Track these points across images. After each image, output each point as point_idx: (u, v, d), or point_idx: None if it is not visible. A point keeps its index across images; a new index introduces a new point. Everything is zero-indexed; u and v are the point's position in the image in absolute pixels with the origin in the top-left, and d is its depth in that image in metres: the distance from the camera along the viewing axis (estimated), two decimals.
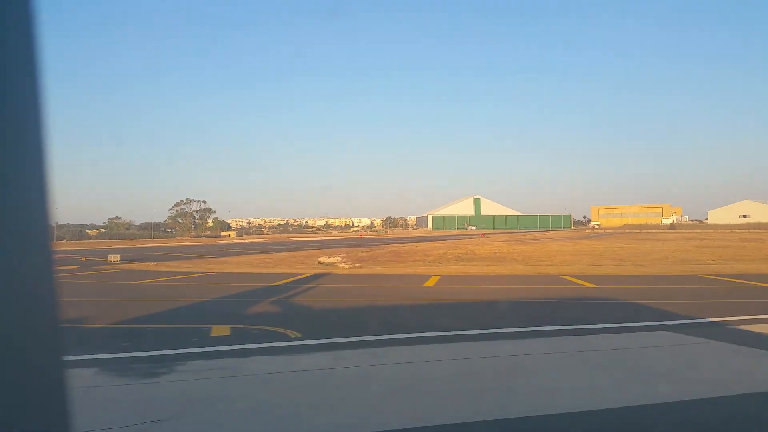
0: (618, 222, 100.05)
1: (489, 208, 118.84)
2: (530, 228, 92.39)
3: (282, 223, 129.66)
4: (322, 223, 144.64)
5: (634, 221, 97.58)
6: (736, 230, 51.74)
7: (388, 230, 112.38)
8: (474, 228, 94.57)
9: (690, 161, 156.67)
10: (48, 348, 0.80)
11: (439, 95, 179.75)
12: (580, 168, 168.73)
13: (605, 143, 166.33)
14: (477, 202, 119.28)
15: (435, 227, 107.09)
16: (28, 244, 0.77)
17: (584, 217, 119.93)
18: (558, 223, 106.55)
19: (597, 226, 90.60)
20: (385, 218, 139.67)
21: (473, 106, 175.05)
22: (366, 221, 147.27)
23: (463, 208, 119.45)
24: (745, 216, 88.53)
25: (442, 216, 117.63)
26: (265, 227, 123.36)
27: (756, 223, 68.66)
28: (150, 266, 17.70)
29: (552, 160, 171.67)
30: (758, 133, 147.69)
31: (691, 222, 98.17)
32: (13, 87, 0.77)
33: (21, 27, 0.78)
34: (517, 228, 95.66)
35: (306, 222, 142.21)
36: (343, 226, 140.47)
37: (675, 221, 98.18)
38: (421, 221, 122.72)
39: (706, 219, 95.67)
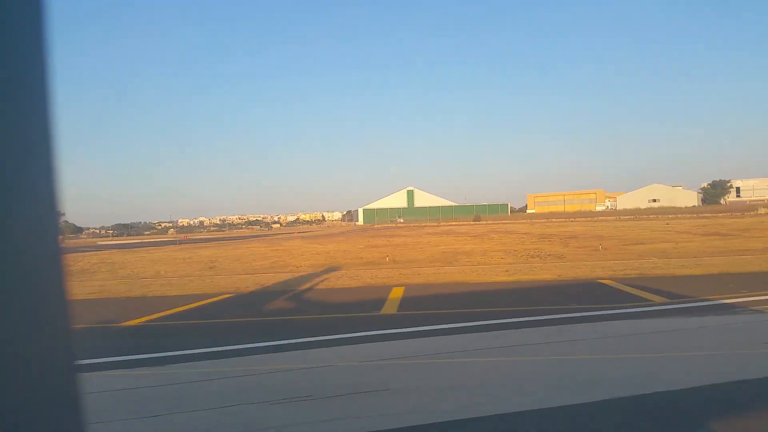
0: (554, 209, 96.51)
1: (423, 200, 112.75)
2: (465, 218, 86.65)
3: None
4: (293, 218, 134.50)
5: (569, 208, 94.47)
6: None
7: (298, 226, 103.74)
8: (402, 221, 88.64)
9: (619, 146, 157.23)
10: (62, 349, 0.80)
11: (377, 88, 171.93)
12: (517, 156, 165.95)
13: (541, 130, 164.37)
14: (410, 194, 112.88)
15: (366, 221, 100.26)
16: (37, 243, 0.77)
17: (526, 205, 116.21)
18: (495, 212, 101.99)
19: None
20: (345, 212, 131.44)
21: (408, 95, 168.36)
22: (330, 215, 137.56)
23: (396, 200, 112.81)
24: (654, 200, 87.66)
25: (373, 209, 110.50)
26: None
27: (670, 208, 66.32)
28: None
29: (489, 149, 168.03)
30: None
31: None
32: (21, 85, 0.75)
33: (31, 25, 0.76)
34: (451, 218, 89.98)
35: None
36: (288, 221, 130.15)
37: (609, 207, 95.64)
38: (356, 215, 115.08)
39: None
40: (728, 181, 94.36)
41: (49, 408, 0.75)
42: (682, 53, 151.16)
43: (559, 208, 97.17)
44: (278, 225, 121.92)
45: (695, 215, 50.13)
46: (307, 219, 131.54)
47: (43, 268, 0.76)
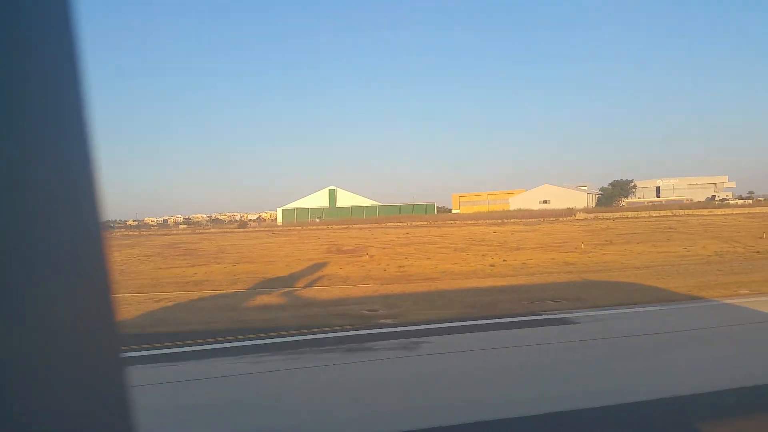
0: (479, 209, 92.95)
1: (346, 199, 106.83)
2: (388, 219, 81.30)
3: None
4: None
5: (492, 208, 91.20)
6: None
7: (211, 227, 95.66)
8: (318, 220, 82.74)
9: (544, 145, 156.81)
10: (109, 346, 0.82)
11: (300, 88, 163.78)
12: (442, 155, 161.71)
13: (467, 129, 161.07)
14: (332, 193, 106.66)
15: (285, 221, 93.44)
16: (83, 238, 0.78)
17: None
18: (421, 212, 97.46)
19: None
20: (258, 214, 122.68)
21: (332, 95, 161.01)
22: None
23: (318, 199, 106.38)
24: (545, 201, 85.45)
25: (293, 209, 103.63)
26: None
27: (562, 210, 63.14)
28: None
29: (414, 148, 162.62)
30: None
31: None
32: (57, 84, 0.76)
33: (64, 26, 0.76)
34: (375, 219, 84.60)
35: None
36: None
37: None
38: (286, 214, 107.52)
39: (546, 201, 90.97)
40: (631, 181, 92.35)
41: (97, 404, 0.76)
42: (602, 47, 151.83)
43: (483, 208, 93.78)
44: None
45: (541, 220, 46.59)
46: (225, 218, 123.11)
47: (89, 263, 0.77)
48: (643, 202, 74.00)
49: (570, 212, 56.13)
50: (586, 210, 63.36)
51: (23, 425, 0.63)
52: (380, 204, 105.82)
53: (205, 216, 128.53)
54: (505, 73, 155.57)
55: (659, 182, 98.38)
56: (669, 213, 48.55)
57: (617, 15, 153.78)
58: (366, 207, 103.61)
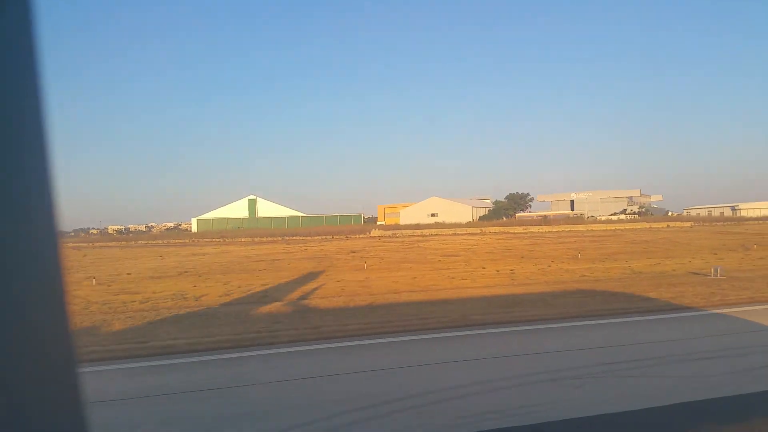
0: (396, 221, 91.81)
1: (267, 209, 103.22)
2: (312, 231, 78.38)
3: None
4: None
5: (390, 221, 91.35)
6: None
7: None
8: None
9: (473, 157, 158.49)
10: (63, 350, 0.82)
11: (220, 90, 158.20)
12: (367, 166, 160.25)
13: (393, 138, 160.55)
14: (252, 203, 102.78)
15: (200, 232, 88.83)
16: (39, 243, 0.78)
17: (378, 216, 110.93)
18: (348, 223, 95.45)
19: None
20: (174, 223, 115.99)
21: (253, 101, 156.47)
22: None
23: (237, 209, 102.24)
24: (433, 214, 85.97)
25: (210, 219, 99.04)
26: None
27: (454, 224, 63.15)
28: None
29: (340, 158, 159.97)
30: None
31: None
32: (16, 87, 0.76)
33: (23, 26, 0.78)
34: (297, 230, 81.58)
35: None
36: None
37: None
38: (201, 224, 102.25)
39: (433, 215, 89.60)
40: (527, 194, 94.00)
41: (52, 408, 0.76)
42: (515, 56, 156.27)
43: (398, 220, 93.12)
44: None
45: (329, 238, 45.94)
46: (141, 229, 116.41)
47: (45, 268, 0.77)
48: (532, 216, 74.90)
49: (365, 229, 54.85)
50: (469, 224, 62.63)
51: None
52: (304, 215, 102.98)
53: (120, 227, 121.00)
54: (422, 84, 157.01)
55: (573, 195, 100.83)
56: (521, 230, 48.96)
57: (533, 26, 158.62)
58: (288, 218, 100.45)
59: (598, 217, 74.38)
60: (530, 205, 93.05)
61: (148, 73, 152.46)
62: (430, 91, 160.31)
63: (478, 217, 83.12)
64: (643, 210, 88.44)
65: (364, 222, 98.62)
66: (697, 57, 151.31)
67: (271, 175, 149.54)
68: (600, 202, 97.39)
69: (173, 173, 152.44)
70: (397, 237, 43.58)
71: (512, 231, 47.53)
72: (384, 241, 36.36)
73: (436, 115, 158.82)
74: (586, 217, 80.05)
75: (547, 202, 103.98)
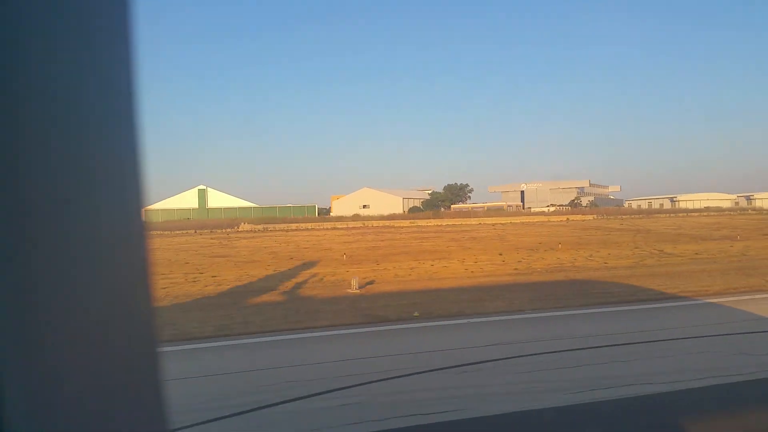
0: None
1: (218, 200, 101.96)
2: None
3: None
4: None
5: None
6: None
7: None
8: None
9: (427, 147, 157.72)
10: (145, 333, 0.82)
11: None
12: (321, 155, 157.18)
13: (343, 127, 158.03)
14: (202, 193, 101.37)
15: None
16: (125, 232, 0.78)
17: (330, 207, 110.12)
18: (302, 214, 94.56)
19: None
20: None
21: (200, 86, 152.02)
22: None
23: (186, 200, 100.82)
24: (365, 206, 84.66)
25: (158, 210, 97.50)
26: None
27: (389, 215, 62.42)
28: None
29: (293, 147, 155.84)
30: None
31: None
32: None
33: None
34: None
35: None
36: None
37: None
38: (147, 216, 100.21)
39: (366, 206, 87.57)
40: (465, 185, 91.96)
41: (133, 394, 0.77)
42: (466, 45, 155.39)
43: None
44: None
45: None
46: None
47: (129, 252, 0.77)
48: (468, 208, 74.18)
49: (234, 223, 53.64)
50: (397, 216, 61.45)
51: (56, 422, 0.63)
52: (256, 205, 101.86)
53: None
54: (377, 73, 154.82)
55: (523, 186, 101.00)
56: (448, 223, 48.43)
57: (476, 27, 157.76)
58: (240, 208, 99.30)
59: (532, 209, 74.24)
60: (469, 197, 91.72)
61: None
62: (384, 80, 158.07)
63: (407, 209, 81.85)
64: (591, 201, 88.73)
65: (318, 213, 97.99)
66: (651, 46, 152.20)
67: (221, 164, 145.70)
68: (549, 193, 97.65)
69: None
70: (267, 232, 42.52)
71: (431, 224, 47.08)
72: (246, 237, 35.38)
73: (392, 104, 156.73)
74: (530, 209, 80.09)
75: (498, 193, 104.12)
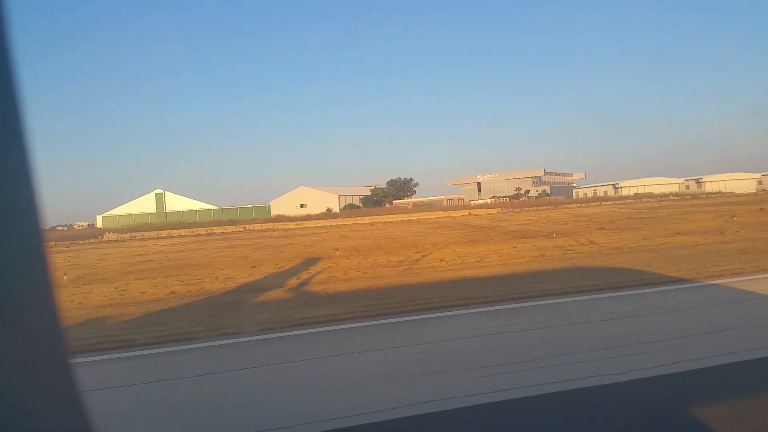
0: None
1: (176, 203, 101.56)
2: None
3: None
4: None
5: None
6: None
7: None
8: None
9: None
10: (54, 347, 0.83)
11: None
12: (273, 154, 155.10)
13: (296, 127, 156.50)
14: (159, 197, 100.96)
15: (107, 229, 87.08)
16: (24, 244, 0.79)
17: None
18: (261, 214, 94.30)
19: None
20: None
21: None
22: None
23: (144, 205, 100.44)
24: (303, 205, 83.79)
25: (116, 215, 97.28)
26: None
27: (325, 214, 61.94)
28: None
29: (247, 147, 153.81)
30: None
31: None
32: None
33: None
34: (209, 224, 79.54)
35: None
36: None
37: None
38: (107, 221, 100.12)
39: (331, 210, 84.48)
40: (410, 180, 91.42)
41: (49, 403, 0.77)
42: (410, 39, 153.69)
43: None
44: None
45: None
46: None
47: (30, 267, 0.77)
48: (408, 204, 73.86)
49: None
50: (325, 215, 61.15)
51: None
52: (215, 207, 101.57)
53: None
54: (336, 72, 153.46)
55: (479, 177, 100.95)
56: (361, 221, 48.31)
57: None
58: (199, 211, 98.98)
59: (473, 203, 74.16)
60: (414, 191, 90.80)
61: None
62: (340, 77, 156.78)
63: (343, 206, 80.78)
64: (543, 191, 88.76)
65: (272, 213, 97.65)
66: (608, 30, 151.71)
67: (179, 167, 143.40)
68: (505, 183, 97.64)
69: (71, 170, 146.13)
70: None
71: (338, 223, 46.98)
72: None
73: (348, 101, 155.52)
74: (471, 202, 79.97)
75: (456, 186, 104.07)
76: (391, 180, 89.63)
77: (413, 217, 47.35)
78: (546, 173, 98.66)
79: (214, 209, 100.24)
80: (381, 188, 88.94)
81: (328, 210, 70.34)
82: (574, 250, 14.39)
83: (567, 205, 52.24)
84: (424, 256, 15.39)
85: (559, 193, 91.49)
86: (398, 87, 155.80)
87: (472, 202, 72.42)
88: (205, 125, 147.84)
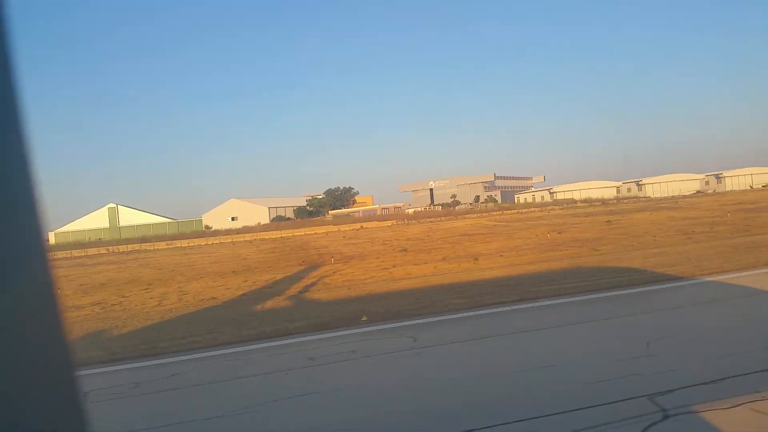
0: None
1: (130, 218, 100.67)
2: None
3: None
4: None
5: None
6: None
7: None
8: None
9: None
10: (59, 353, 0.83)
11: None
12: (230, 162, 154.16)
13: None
14: (112, 212, 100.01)
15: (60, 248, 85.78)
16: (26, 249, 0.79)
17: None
18: (193, 228, 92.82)
19: None
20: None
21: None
22: None
23: (97, 220, 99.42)
24: (234, 218, 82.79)
25: (68, 232, 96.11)
26: None
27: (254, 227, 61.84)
28: None
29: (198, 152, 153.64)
30: None
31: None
32: None
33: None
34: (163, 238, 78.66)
35: None
36: None
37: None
38: (59, 238, 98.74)
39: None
40: (350, 189, 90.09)
41: (51, 411, 0.77)
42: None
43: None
44: None
45: None
46: None
47: (32, 272, 0.77)
48: (345, 213, 73.79)
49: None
50: (245, 228, 60.62)
51: None
52: (170, 220, 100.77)
53: None
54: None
55: (431, 184, 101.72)
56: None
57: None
58: (154, 225, 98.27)
59: (406, 211, 74.60)
60: (354, 201, 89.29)
61: None
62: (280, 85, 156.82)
63: (272, 218, 79.34)
64: (490, 196, 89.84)
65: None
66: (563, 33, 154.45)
67: (131, 180, 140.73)
68: (457, 189, 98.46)
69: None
70: None
71: (278, 235, 47.37)
72: None
73: (291, 109, 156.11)
74: (407, 211, 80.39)
75: (409, 193, 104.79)
76: (329, 190, 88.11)
77: (322, 230, 48.12)
78: (497, 178, 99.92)
79: (169, 222, 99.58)
80: (318, 198, 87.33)
81: (258, 224, 70.19)
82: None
83: (467, 216, 53.06)
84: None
85: (509, 199, 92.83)
86: (352, 92, 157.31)
87: (408, 211, 72.75)
88: (155, 138, 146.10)
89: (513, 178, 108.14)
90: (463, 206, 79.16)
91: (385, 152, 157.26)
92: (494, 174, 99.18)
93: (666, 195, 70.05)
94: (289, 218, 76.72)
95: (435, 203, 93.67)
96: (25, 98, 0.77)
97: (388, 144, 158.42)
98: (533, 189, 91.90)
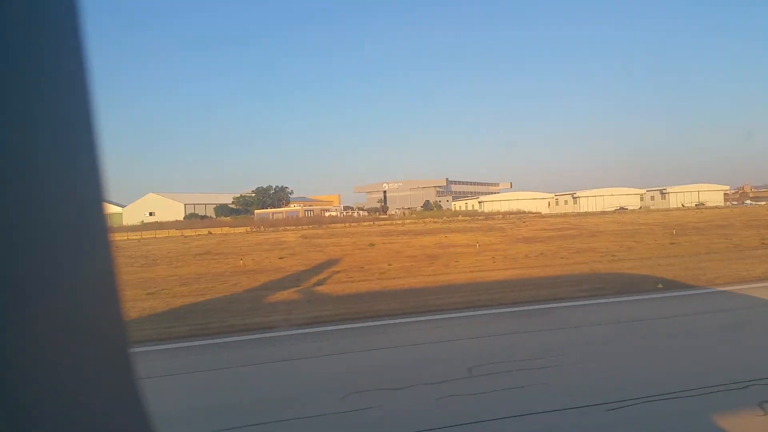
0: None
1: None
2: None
3: None
4: None
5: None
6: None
7: None
8: None
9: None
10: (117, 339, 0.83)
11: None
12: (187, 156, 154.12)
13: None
14: None
15: None
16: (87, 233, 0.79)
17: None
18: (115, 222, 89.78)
19: None
20: None
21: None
22: None
23: None
24: (152, 214, 78.77)
25: None
26: None
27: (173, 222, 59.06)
28: None
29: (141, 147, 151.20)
30: None
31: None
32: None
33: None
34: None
35: None
36: None
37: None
38: None
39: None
40: (285, 188, 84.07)
41: (107, 394, 0.78)
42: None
43: None
44: None
45: None
46: None
47: (94, 257, 0.78)
48: (269, 215, 68.68)
49: None
50: (156, 224, 58.09)
51: (32, 425, 0.63)
52: (118, 210, 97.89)
53: None
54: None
55: (385, 186, 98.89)
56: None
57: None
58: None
59: (331, 214, 70.94)
60: (288, 201, 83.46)
61: None
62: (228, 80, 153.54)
63: (186, 215, 75.50)
64: (436, 202, 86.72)
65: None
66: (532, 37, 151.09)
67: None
68: (410, 193, 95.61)
69: None
70: None
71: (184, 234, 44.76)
72: None
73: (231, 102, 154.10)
74: (354, 213, 77.53)
75: (363, 194, 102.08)
76: (259, 188, 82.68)
77: (216, 231, 45.67)
78: (450, 182, 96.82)
79: (115, 213, 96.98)
80: (246, 196, 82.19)
81: (176, 220, 67.21)
82: None
83: (333, 225, 49.91)
84: None
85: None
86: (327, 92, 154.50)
87: (329, 214, 69.12)
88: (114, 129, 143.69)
89: (473, 183, 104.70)
90: (398, 211, 76.23)
91: (360, 153, 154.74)
92: (446, 179, 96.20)
93: (597, 209, 66.68)
94: (205, 216, 73.26)
95: (386, 205, 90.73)
96: None
97: (367, 145, 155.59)
98: (492, 194, 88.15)
